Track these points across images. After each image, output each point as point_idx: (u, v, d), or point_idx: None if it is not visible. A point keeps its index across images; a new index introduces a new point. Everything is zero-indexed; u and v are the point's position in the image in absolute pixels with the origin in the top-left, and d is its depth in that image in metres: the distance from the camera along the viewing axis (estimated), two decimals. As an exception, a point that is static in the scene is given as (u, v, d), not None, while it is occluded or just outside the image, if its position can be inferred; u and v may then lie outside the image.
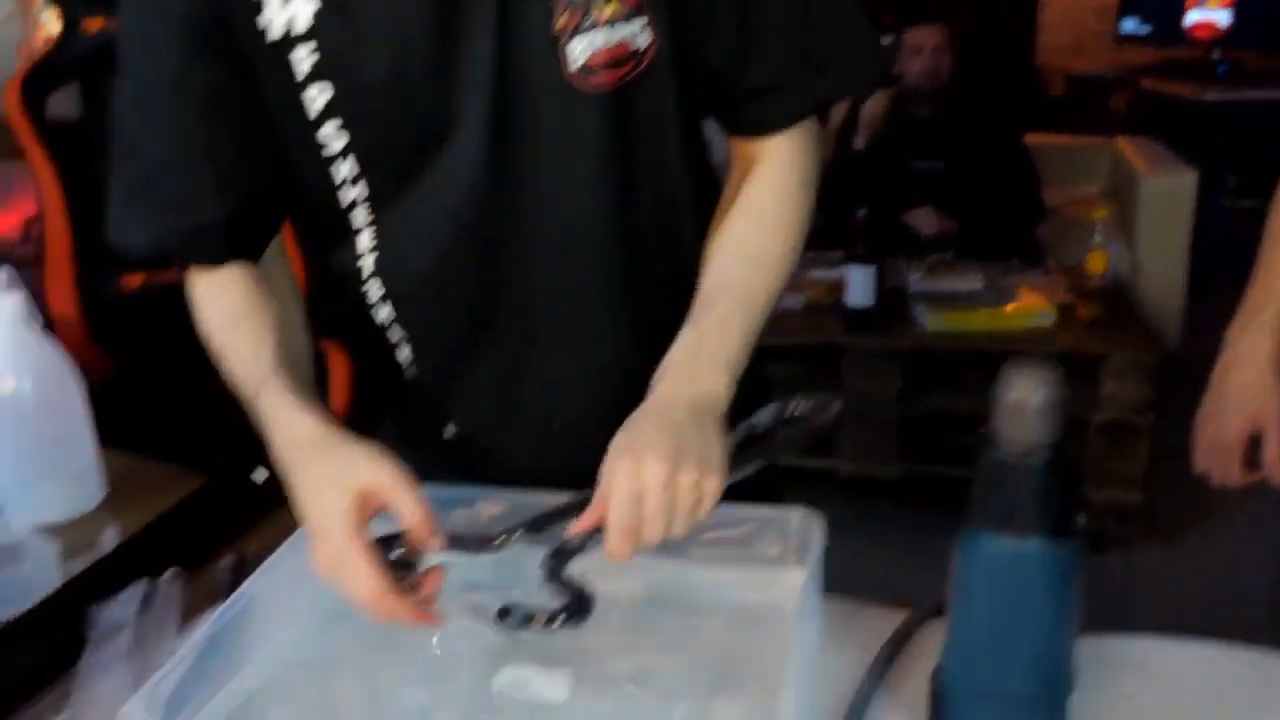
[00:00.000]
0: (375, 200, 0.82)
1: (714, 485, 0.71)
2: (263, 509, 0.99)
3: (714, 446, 0.72)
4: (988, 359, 2.36)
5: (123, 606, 0.79)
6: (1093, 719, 0.73)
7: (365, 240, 0.83)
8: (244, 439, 1.08)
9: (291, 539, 0.79)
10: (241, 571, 0.89)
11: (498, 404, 0.86)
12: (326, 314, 0.96)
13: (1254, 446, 1.04)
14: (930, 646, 0.79)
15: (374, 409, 1.01)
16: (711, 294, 0.81)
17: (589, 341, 0.86)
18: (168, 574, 0.84)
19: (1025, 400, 0.65)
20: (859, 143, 3.04)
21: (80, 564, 0.89)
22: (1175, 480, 2.46)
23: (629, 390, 0.77)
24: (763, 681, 0.72)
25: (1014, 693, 0.68)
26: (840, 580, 0.81)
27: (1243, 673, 0.77)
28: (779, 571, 0.82)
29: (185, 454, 1.12)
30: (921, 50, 2.99)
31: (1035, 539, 0.65)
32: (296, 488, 0.74)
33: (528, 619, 0.72)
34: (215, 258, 0.85)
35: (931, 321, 2.35)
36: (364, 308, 0.87)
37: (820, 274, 2.56)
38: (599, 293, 0.85)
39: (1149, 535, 2.42)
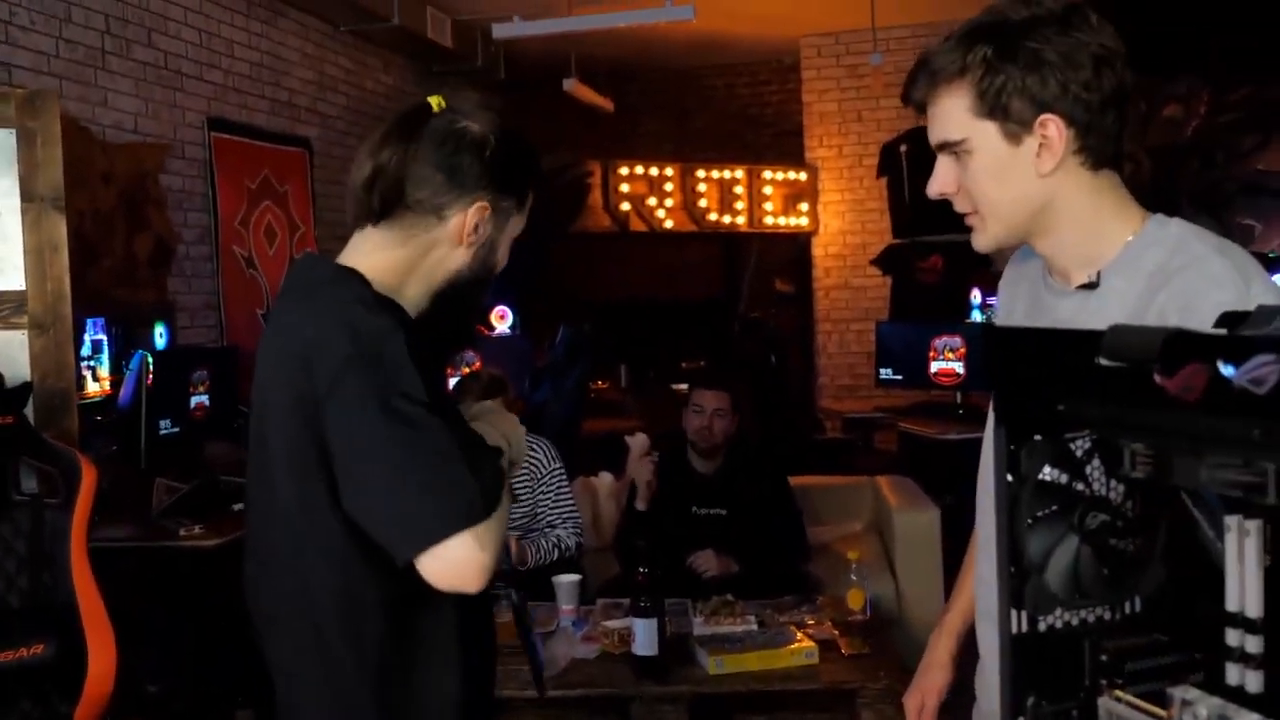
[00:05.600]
0: None
1: None
2: None
3: None
4: (762, 698, 2.61)
5: None
6: None
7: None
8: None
9: None
10: None
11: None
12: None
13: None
14: None
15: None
16: None
17: None
18: None
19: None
20: (640, 504, 3.33)
21: None
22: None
23: None
24: None
25: None
26: None
27: None
28: None
29: None
30: (702, 411, 3.35)
31: None
32: None
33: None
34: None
35: (711, 665, 2.59)
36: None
37: (613, 624, 2.79)
38: None
39: None
